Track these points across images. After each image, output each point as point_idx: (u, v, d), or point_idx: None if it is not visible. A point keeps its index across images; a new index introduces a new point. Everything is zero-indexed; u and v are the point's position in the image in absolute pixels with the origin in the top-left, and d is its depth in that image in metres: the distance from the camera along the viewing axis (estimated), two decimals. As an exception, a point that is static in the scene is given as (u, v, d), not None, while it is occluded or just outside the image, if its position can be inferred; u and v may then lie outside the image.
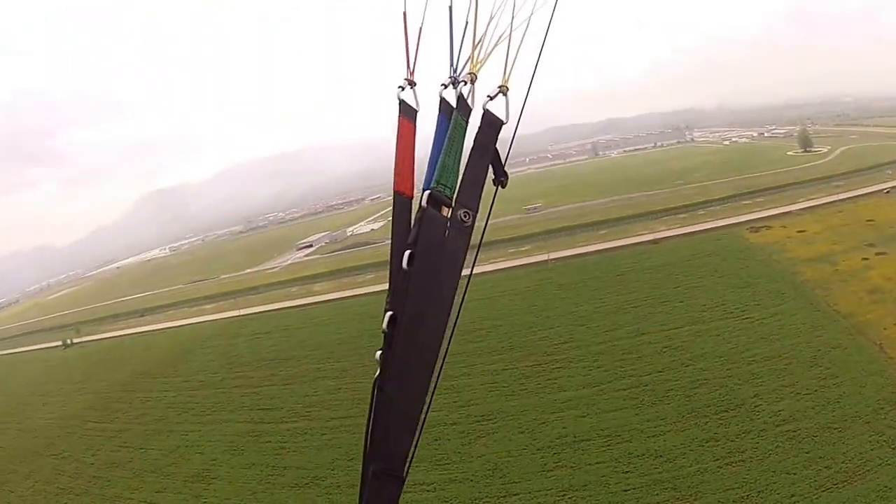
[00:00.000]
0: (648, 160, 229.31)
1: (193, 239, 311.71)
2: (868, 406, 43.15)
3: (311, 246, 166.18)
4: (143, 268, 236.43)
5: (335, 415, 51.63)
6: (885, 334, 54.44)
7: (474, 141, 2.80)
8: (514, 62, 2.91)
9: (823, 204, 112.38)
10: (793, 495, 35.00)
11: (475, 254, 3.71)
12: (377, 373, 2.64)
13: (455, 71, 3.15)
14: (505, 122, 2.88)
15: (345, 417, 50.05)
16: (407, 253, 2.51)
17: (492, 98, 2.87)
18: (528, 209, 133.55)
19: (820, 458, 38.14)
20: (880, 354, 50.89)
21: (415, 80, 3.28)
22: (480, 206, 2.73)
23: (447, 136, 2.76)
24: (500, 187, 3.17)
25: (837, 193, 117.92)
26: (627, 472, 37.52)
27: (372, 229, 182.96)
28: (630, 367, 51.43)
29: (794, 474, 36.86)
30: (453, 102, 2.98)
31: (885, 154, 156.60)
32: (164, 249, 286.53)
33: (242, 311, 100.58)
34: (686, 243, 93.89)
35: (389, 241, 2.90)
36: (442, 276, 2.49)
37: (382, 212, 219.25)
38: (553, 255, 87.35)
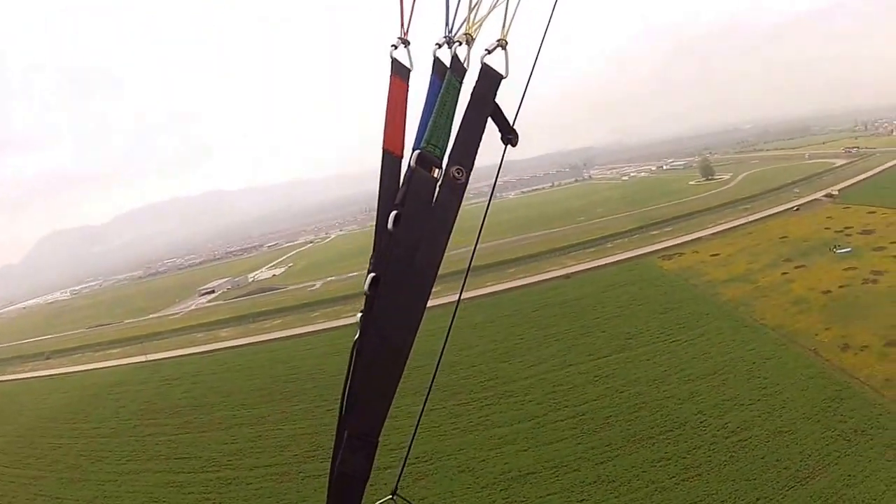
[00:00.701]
0: (548, 199, 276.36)
1: (93, 283, 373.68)
2: (815, 406, 51.53)
3: (213, 291, 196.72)
4: (46, 310, 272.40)
5: (259, 463, 57.45)
6: (818, 340, 65.82)
7: (471, 95, 3.18)
8: (513, 16, 3.31)
9: (733, 227, 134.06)
10: (758, 499, 40.52)
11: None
12: (356, 335, 3.02)
13: (450, 31, 3.52)
14: (504, 76, 3.27)
15: (269, 465, 56.16)
16: (393, 213, 2.86)
17: (490, 52, 3.28)
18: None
19: (777, 461, 44.61)
20: (817, 359, 61.25)
21: (408, 38, 3.68)
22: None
23: (439, 96, 3.14)
24: (509, 146, 3.63)
25: (745, 216, 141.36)
26: (582, 500, 42.47)
27: (274, 275, 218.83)
28: (563, 398, 58.93)
29: (755, 479, 42.71)
30: (447, 63, 3.34)
31: (786, 175, 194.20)
32: (66, 292, 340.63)
33: (149, 357, 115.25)
34: (599, 276, 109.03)
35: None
36: (428, 238, 2.86)
37: (282, 258, 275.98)
38: (464, 296, 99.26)
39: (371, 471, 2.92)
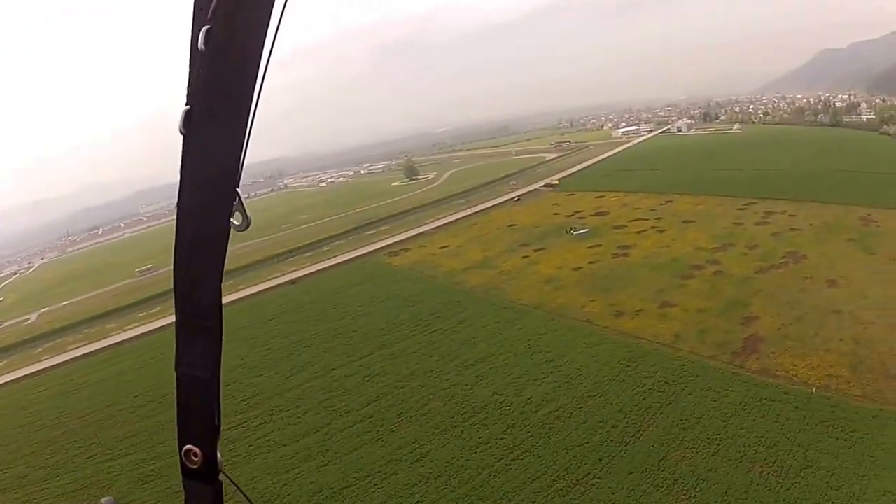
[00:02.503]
0: (249, 209, 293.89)
1: None
2: (613, 369, 56.29)
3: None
4: None
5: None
6: (587, 311, 72.41)
7: None
8: None
9: (454, 221, 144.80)
10: (601, 459, 43.02)
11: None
12: (178, 191, 2.98)
13: None
14: None
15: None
16: (204, 29, 2.81)
17: None
18: (142, 271, 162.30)
19: (600, 422, 47.57)
20: (594, 328, 67.21)
21: None
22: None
23: None
24: None
25: (464, 210, 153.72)
26: (417, 502, 42.64)
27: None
28: (341, 403, 59.81)
29: (586, 444, 45.12)
30: None
31: (496, 171, 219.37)
32: None
33: None
34: (327, 278, 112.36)
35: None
36: (241, 56, 2.83)
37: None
38: None
39: (219, 365, 2.96)
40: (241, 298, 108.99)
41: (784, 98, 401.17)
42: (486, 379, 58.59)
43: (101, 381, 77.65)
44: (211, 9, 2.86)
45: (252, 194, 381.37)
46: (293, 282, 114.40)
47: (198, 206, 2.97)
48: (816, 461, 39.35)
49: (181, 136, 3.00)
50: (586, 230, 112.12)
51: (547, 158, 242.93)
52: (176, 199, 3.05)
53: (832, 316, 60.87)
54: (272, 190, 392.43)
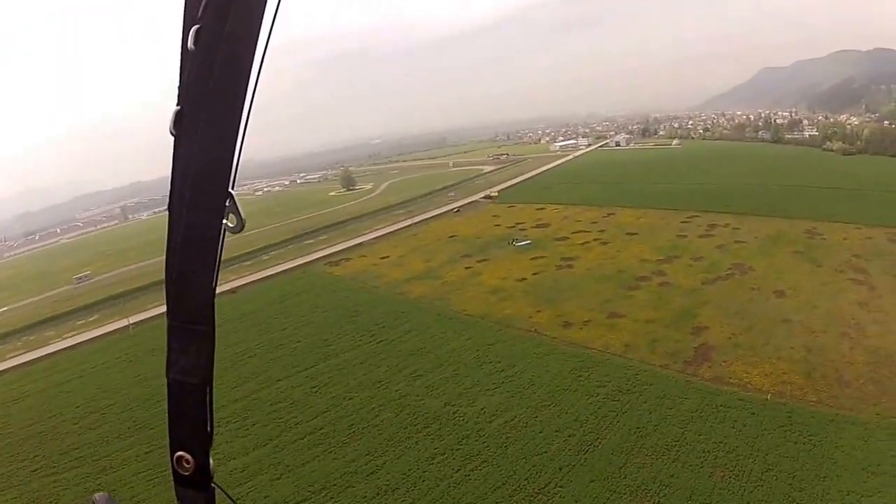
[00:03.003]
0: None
1: None
2: (565, 378, 56.79)
3: None
4: None
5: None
6: (534, 322, 72.94)
7: None
8: None
9: (394, 231, 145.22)
10: (560, 468, 43.15)
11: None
12: (169, 192, 3.06)
13: None
14: None
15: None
16: (194, 28, 2.88)
17: None
18: (79, 278, 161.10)
19: (556, 431, 47.85)
20: (543, 338, 67.70)
21: None
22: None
23: None
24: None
25: (403, 220, 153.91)
26: None
27: None
28: (290, 415, 59.11)
29: (545, 453, 45.19)
30: None
31: (434, 182, 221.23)
32: None
33: None
34: (268, 287, 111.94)
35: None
36: (233, 55, 2.89)
37: None
38: (133, 320, 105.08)
39: (212, 371, 2.90)
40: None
41: (723, 115, 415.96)
42: (436, 389, 58.38)
43: (42, 391, 75.08)
44: (201, 7, 2.88)
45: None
46: (234, 290, 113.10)
47: (189, 207, 2.96)
48: (777, 464, 40.58)
49: (171, 138, 3.00)
50: (528, 242, 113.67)
51: (484, 171, 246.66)
52: (167, 201, 3.06)
53: (782, 325, 63.10)
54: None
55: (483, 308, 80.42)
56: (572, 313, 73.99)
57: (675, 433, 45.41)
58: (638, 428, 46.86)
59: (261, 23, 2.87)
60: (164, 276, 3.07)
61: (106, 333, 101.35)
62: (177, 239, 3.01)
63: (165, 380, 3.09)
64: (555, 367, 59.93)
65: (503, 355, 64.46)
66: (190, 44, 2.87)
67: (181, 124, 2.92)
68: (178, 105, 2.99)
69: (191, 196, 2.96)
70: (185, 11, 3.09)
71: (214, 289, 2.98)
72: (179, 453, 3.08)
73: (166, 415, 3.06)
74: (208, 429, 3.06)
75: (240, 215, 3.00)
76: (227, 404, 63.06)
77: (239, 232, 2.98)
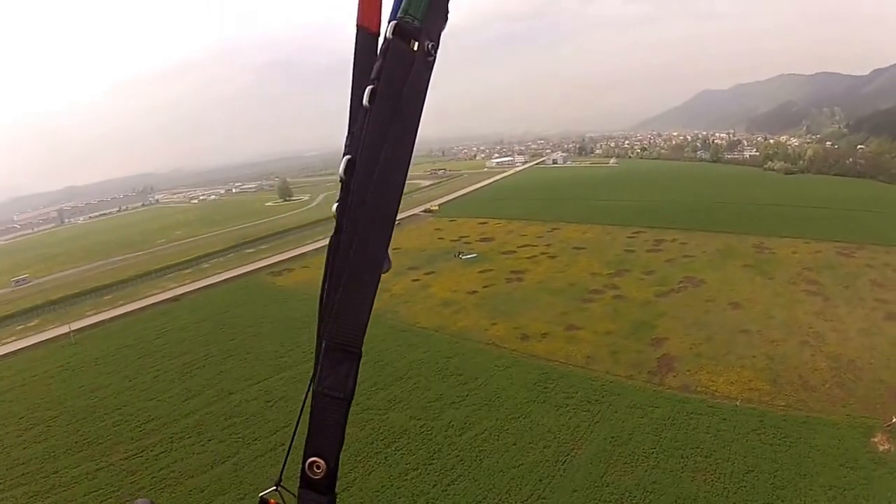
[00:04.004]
0: (120, 224, 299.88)
1: None
2: (531, 390, 57.62)
3: None
4: None
5: None
6: (491, 334, 73.70)
7: None
8: None
9: None
10: (540, 479, 43.58)
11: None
12: (333, 231, 3.25)
13: None
14: None
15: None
16: (368, 88, 3.08)
17: None
18: (17, 281, 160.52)
19: (529, 443, 48.49)
20: (502, 351, 68.52)
21: None
22: None
23: None
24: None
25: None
26: None
27: None
28: (247, 430, 58.06)
29: (520, 465, 45.63)
30: None
31: None
32: None
33: None
34: (211, 296, 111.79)
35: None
36: (404, 114, 3.08)
37: None
38: (74, 327, 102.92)
39: (355, 388, 3.01)
40: (121, 315, 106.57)
41: (660, 135, 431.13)
42: (400, 403, 58.10)
43: (-18, 401, 70.64)
44: (375, 69, 3.04)
45: (124, 208, 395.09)
46: (176, 299, 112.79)
47: (357, 244, 3.00)
48: (757, 466, 42.28)
49: (339, 182, 3.12)
50: (474, 255, 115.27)
51: (423, 185, 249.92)
52: (332, 234, 3.14)
53: (741, 335, 65.56)
54: (143, 205, 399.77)
55: (436, 321, 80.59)
56: (528, 326, 75.05)
57: (650, 441, 46.54)
58: (613, 437, 47.79)
59: (428, 84, 3.05)
60: (320, 300, 3.16)
61: (47, 340, 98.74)
62: (342, 271, 3.01)
63: (308, 391, 3.09)
64: (519, 379, 60.44)
65: (464, 368, 64.65)
66: (365, 101, 2.99)
67: (351, 172, 3.04)
68: (347, 153, 3.12)
69: (359, 241, 2.99)
70: (354, 65, 3.36)
71: (369, 318, 3.06)
72: (313, 458, 3.13)
73: (296, 422, 3.31)
74: (342, 439, 3.15)
75: (387, 257, 3.10)
76: (179, 418, 61.90)
77: (386, 272, 3.07)
